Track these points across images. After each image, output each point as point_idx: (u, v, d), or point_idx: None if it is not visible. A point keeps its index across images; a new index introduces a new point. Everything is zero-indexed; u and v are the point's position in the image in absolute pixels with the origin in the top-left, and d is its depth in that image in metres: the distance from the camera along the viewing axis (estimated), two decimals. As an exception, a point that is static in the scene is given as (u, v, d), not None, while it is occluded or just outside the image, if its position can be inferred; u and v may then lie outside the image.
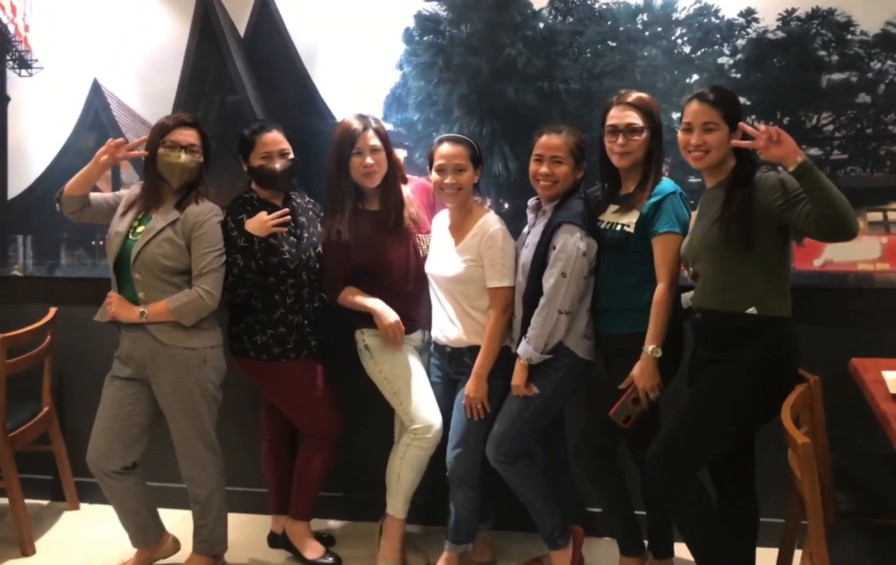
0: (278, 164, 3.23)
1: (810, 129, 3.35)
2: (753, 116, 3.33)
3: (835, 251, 3.34)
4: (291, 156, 3.28)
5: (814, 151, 3.32)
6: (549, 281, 2.94)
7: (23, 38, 4.01)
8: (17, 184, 4.07)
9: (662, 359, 2.85)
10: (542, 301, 2.95)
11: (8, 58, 4.02)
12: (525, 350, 2.98)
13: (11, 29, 4.00)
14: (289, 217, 3.21)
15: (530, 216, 3.20)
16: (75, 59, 3.97)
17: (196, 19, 3.83)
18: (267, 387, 3.41)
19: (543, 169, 3.02)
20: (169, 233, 3.12)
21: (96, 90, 3.95)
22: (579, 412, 3.32)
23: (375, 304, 3.21)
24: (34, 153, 4.05)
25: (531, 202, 3.21)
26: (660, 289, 2.85)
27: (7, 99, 4.04)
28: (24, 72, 4.02)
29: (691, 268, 2.88)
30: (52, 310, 3.94)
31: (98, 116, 3.96)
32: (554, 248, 2.95)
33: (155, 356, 3.13)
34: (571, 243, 2.93)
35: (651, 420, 3.00)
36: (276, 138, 3.25)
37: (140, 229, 3.14)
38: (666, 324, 2.86)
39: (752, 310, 2.68)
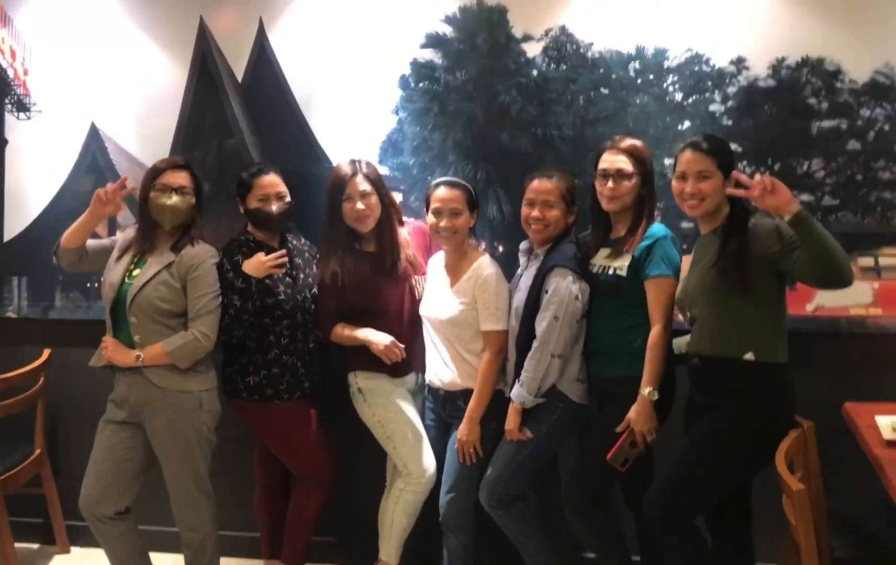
0: (275, 207, 3.25)
1: (801, 176, 3.39)
2: (745, 162, 3.38)
3: (827, 296, 3.36)
4: (288, 199, 3.30)
5: (805, 197, 3.36)
6: (541, 324, 2.95)
7: (21, 82, 4.05)
8: (14, 227, 4.10)
9: (656, 401, 2.85)
10: (535, 344, 2.96)
11: (7, 101, 4.06)
12: (518, 394, 2.98)
13: (10, 73, 4.04)
14: (286, 258, 3.23)
15: (522, 259, 3.22)
16: (73, 103, 4.01)
17: (195, 64, 3.88)
18: (259, 429, 3.39)
19: (535, 213, 3.05)
20: (165, 275, 3.12)
21: (94, 133, 3.99)
22: (573, 455, 3.30)
23: (366, 333, 3.21)
24: (31, 196, 4.08)
25: (523, 245, 3.23)
26: (654, 331, 2.87)
27: (5, 142, 4.08)
28: (22, 115, 4.06)
29: (688, 313, 2.89)
30: (46, 352, 3.94)
31: (95, 159, 3.99)
32: (546, 292, 2.97)
33: (150, 399, 3.11)
34: (564, 286, 2.94)
35: (645, 462, 3.00)
36: (273, 181, 3.27)
37: (136, 273, 3.14)
38: (662, 366, 2.87)
39: (749, 356, 2.69)
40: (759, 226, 2.67)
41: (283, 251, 3.23)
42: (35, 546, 4.09)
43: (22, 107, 4.05)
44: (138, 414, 3.14)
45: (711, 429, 2.75)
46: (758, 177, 2.60)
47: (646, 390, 2.84)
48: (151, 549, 3.38)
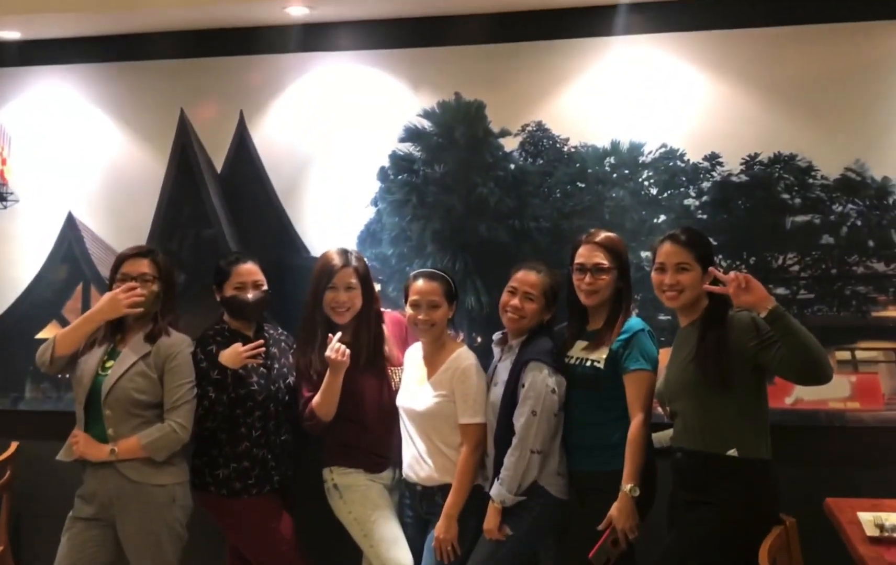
0: (251, 295, 3.24)
1: (776, 269, 3.43)
2: (721, 256, 3.41)
3: (805, 390, 3.34)
4: (265, 287, 3.29)
5: (781, 291, 3.39)
6: (519, 420, 2.92)
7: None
8: (-14, 316, 4.04)
9: (638, 497, 2.81)
10: (514, 441, 2.92)
11: (-17, 191, 4.05)
12: (498, 492, 2.93)
13: (-12, 163, 4.04)
14: (263, 349, 3.19)
15: (496, 350, 3.20)
16: (51, 193, 4.02)
17: (174, 155, 3.91)
18: (226, 525, 3.29)
19: (514, 302, 3.04)
20: (141, 366, 3.07)
21: (70, 223, 3.99)
22: (554, 552, 3.23)
23: (329, 372, 3.12)
24: (5, 284, 4.05)
25: (496, 336, 3.22)
26: (634, 426, 2.84)
27: (-21, 230, 4.05)
28: (-1, 204, 4.05)
29: (668, 407, 2.88)
30: (14, 445, 3.86)
31: (71, 248, 3.99)
32: (523, 386, 2.94)
33: (121, 494, 3.04)
34: (540, 381, 2.92)
35: (628, 560, 2.92)
36: (250, 269, 3.26)
37: (109, 364, 3.10)
38: (643, 461, 2.83)
39: (733, 452, 2.67)
40: (736, 318, 2.69)
41: (261, 341, 3.20)
42: (-5, 648, 3.93)
43: (-1, 196, 4.05)
44: (109, 509, 3.06)
45: (693, 527, 2.70)
46: (732, 274, 2.62)
47: (627, 486, 2.80)
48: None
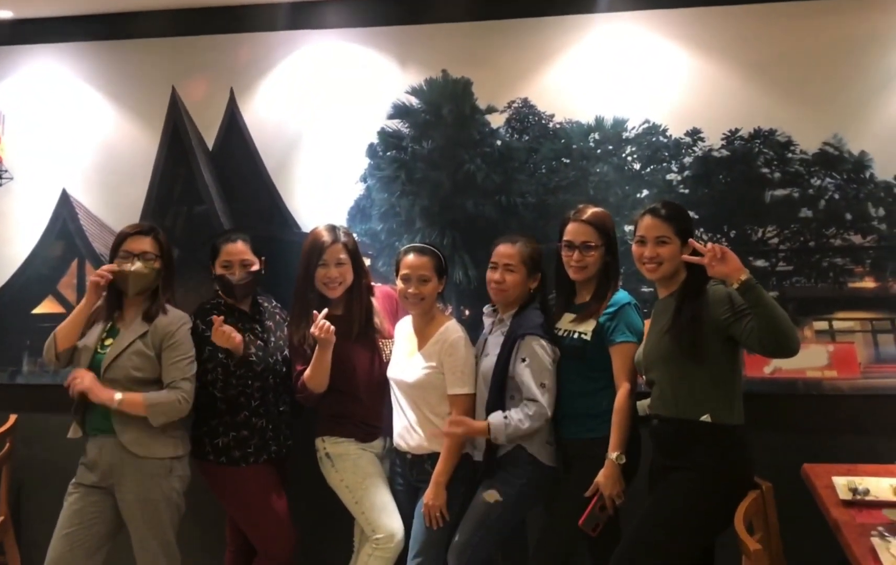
0: (236, 275, 3.27)
1: (756, 242, 3.49)
2: (702, 230, 3.47)
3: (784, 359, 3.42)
4: (255, 267, 3.32)
5: (760, 263, 3.46)
6: (535, 391, 2.97)
7: (-6, 150, 4.08)
8: (-17, 292, 4.09)
9: (624, 464, 2.89)
10: (532, 408, 2.97)
11: (-22, 168, 4.09)
12: (497, 427, 2.97)
13: (-18, 141, 4.08)
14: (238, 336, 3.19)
15: (487, 321, 3.27)
16: (45, 170, 4.05)
17: (166, 132, 3.95)
18: (223, 493, 3.34)
19: (496, 275, 3.11)
20: (139, 345, 3.12)
21: (64, 200, 4.03)
22: (541, 519, 3.32)
23: (317, 347, 3.17)
24: (1, 260, 4.09)
25: (487, 308, 3.29)
26: (620, 395, 2.92)
27: (-26, 208, 4.09)
28: (-7, 182, 4.09)
29: (645, 376, 2.95)
30: (13, 418, 3.91)
31: (65, 225, 4.02)
32: (524, 360, 3.00)
33: (121, 464, 3.09)
34: (541, 354, 3.00)
35: (612, 524, 3.01)
36: (238, 249, 3.29)
37: (108, 342, 3.14)
38: (628, 430, 2.91)
39: (705, 418, 2.74)
40: (713, 292, 2.75)
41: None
42: (-4, 615, 4.02)
43: (-7, 174, 4.09)
44: (108, 478, 3.11)
45: (669, 492, 2.79)
46: (709, 245, 2.68)
47: (613, 454, 2.88)
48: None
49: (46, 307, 4.03)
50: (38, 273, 4.05)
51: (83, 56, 4.04)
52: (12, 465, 3.87)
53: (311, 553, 3.62)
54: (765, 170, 3.50)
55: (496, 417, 2.99)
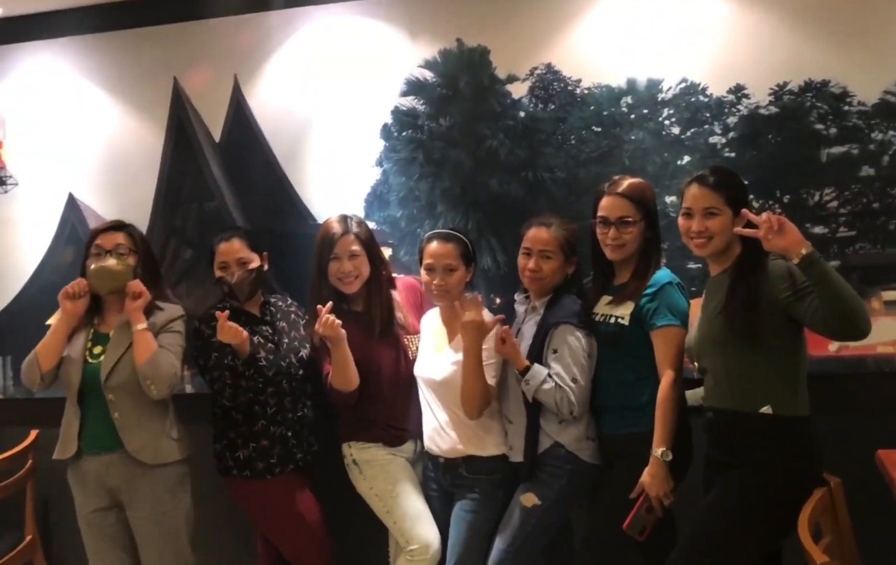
0: (234, 275, 3.13)
1: (813, 207, 3.22)
2: (751, 196, 3.15)
3: (852, 341, 3.17)
4: (254, 264, 3.17)
5: (819, 230, 3.20)
6: (563, 388, 2.78)
7: (-4, 155, 3.95)
8: (-6, 305, 3.99)
9: (672, 460, 2.67)
10: (566, 394, 2.78)
11: (-18, 176, 3.97)
12: (536, 374, 2.79)
13: (-16, 147, 3.95)
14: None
15: (519, 309, 3.06)
16: (50, 174, 3.93)
17: (171, 127, 3.80)
18: (252, 508, 3.23)
19: (531, 264, 2.89)
20: None
21: (72, 204, 3.90)
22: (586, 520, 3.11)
23: (330, 345, 3.02)
24: (12, 271, 3.99)
25: (519, 294, 3.08)
26: (664, 386, 2.69)
27: (-19, 218, 3.98)
28: (-2, 189, 3.96)
29: (696, 364, 2.71)
30: (33, 433, 3.80)
31: (75, 230, 3.91)
32: (555, 352, 2.81)
33: (131, 478, 3.02)
34: (574, 345, 2.79)
35: (666, 525, 2.79)
36: (233, 247, 3.15)
37: (98, 350, 3.05)
38: (674, 423, 2.69)
39: (766, 410, 2.50)
40: (772, 267, 2.48)
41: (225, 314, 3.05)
42: (28, 637, 3.96)
43: (-2, 180, 3.96)
44: (117, 495, 3.05)
45: (727, 492, 2.56)
46: (765, 215, 2.40)
47: (658, 451, 2.66)
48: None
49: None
50: (50, 281, 3.92)
51: (80, 50, 3.90)
52: (36, 481, 3.77)
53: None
54: (819, 126, 3.21)
55: (540, 368, 2.80)
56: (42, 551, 3.78)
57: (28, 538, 3.71)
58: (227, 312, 2.98)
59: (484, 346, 2.89)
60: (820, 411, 2.60)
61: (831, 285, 2.30)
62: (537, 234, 2.90)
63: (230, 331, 2.95)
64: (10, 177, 3.95)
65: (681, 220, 2.65)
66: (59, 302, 3.04)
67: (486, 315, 2.92)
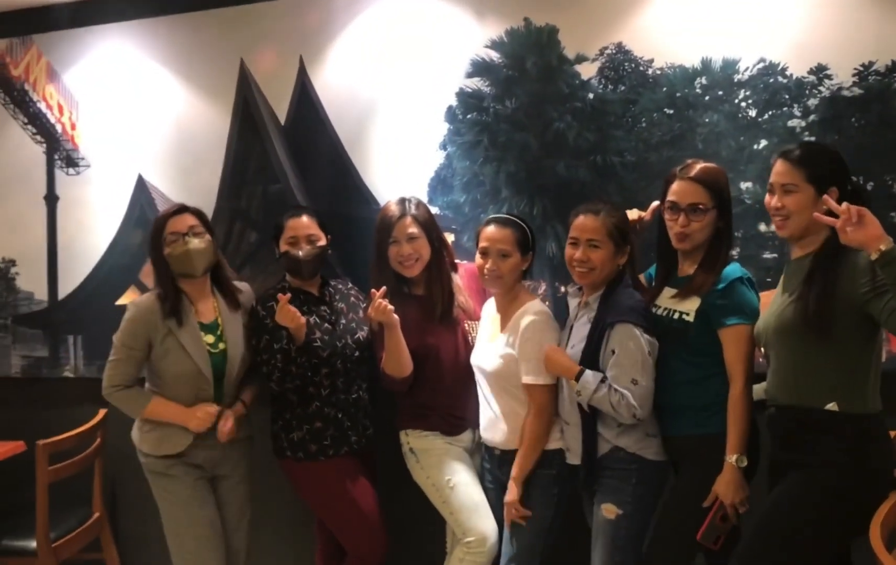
0: (303, 251, 3.09)
1: (898, 194, 3.02)
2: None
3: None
4: (322, 242, 3.14)
5: (902, 220, 2.99)
6: (620, 392, 2.63)
7: (70, 137, 4.01)
8: (68, 284, 4.06)
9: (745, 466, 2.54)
10: (625, 397, 2.62)
11: (56, 157, 4.03)
12: (587, 382, 2.63)
13: (59, 128, 4.01)
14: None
15: (571, 303, 2.93)
16: (120, 156, 3.96)
17: (237, 109, 3.78)
18: (306, 490, 3.20)
19: (578, 254, 2.74)
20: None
21: (141, 186, 3.93)
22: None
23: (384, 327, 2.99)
24: (83, 252, 4.04)
25: (571, 287, 2.95)
26: (735, 389, 2.54)
27: (56, 198, 4.05)
28: (71, 170, 4.02)
29: (763, 352, 2.55)
30: (102, 412, 3.84)
31: (144, 212, 3.93)
32: (613, 352, 2.65)
33: (226, 452, 3.15)
34: (634, 344, 2.63)
35: (733, 531, 2.65)
36: (304, 223, 3.12)
37: (210, 339, 3.10)
38: (747, 427, 2.55)
39: (832, 406, 2.36)
40: (856, 259, 2.31)
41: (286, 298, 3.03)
42: (96, 613, 4.03)
43: (71, 162, 4.01)
44: (214, 469, 3.17)
45: (790, 494, 2.42)
46: (844, 204, 2.23)
47: (733, 457, 2.52)
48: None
49: (129, 297, 3.94)
50: (120, 262, 3.97)
51: (148, 33, 3.90)
52: (104, 460, 3.82)
53: (402, 555, 3.40)
54: (907, 109, 3.00)
55: (590, 376, 2.64)
56: (109, 528, 3.82)
57: (96, 515, 3.76)
58: (288, 295, 2.95)
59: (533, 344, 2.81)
60: (893, 412, 2.44)
61: None
62: (584, 222, 2.74)
63: (288, 314, 2.92)
64: (83, 159, 4.00)
65: (766, 198, 2.50)
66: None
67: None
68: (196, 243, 3.03)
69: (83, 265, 4.03)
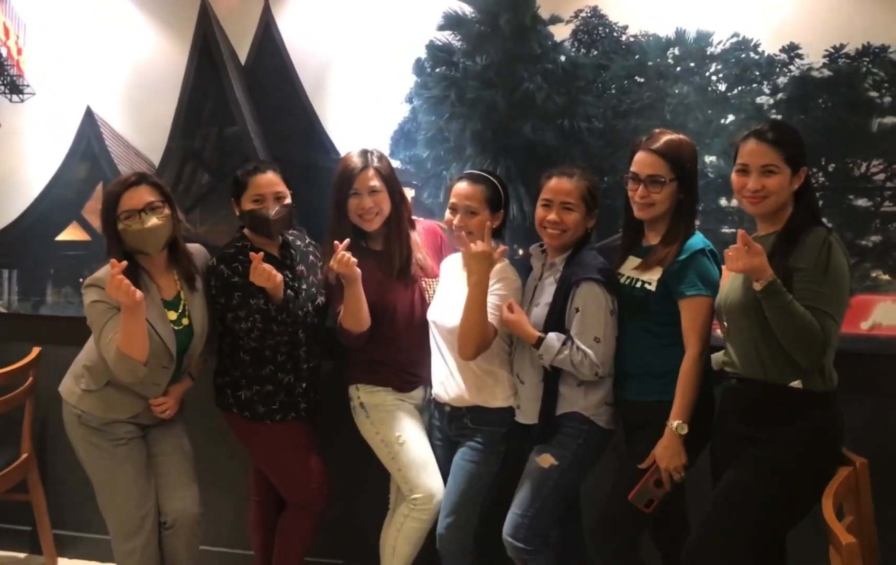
0: (272, 210, 2.97)
1: (858, 178, 3.04)
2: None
3: (886, 313, 3.02)
4: (288, 200, 3.02)
5: (862, 202, 3.03)
6: (583, 350, 2.66)
7: (15, 62, 3.80)
8: (4, 216, 3.87)
9: (688, 434, 2.56)
10: (588, 356, 2.66)
11: (0, 82, 3.82)
12: (549, 347, 2.66)
13: (3, 52, 3.80)
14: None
15: (535, 264, 2.94)
16: (68, 85, 3.77)
17: (195, 45, 3.62)
18: (248, 446, 3.16)
19: (552, 216, 2.76)
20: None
21: (89, 118, 3.74)
22: (596, 485, 2.98)
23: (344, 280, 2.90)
24: (23, 183, 3.85)
25: (534, 248, 2.95)
26: (688, 357, 2.57)
27: (-2, 126, 3.85)
28: (15, 97, 3.82)
29: (725, 324, 2.57)
30: (35, 350, 3.71)
31: (90, 146, 3.76)
32: (577, 310, 2.67)
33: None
34: (597, 302, 2.67)
35: (676, 504, 2.71)
36: (270, 180, 2.98)
37: (172, 315, 2.95)
38: (694, 397, 2.57)
39: (796, 384, 2.39)
40: (807, 237, 2.37)
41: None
42: (21, 555, 3.90)
43: (15, 89, 3.81)
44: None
45: (751, 470, 2.44)
46: (740, 231, 2.32)
47: (674, 423, 2.55)
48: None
49: (70, 234, 3.80)
50: (62, 197, 3.79)
51: (106, -43, 3.71)
52: (35, 400, 3.69)
53: (343, 508, 3.40)
54: (873, 93, 3.02)
55: (553, 339, 2.67)
56: (37, 470, 3.70)
57: (24, 456, 3.64)
58: (261, 254, 2.84)
59: (491, 285, 2.77)
60: (848, 391, 2.49)
61: (788, 319, 2.28)
62: (559, 185, 2.76)
63: (264, 274, 2.81)
64: (28, 86, 3.80)
65: (734, 177, 2.51)
66: (117, 297, 2.66)
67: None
68: (153, 221, 2.83)
69: (21, 197, 3.84)
